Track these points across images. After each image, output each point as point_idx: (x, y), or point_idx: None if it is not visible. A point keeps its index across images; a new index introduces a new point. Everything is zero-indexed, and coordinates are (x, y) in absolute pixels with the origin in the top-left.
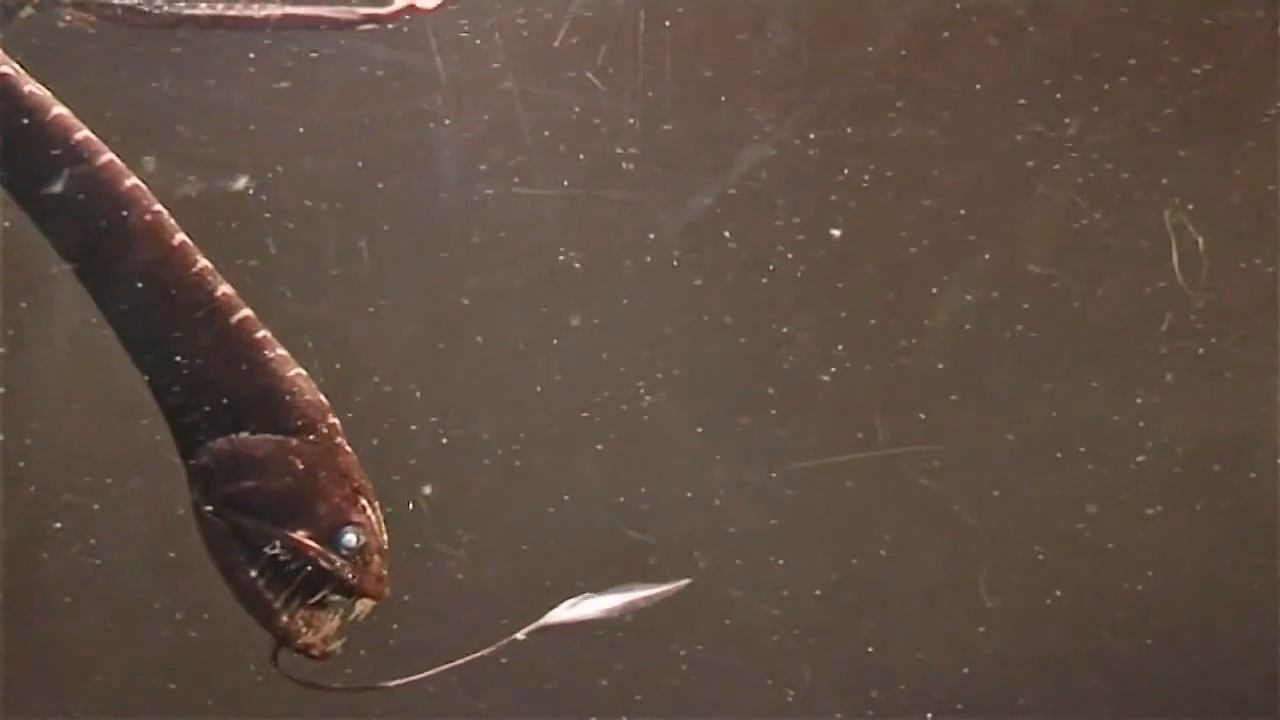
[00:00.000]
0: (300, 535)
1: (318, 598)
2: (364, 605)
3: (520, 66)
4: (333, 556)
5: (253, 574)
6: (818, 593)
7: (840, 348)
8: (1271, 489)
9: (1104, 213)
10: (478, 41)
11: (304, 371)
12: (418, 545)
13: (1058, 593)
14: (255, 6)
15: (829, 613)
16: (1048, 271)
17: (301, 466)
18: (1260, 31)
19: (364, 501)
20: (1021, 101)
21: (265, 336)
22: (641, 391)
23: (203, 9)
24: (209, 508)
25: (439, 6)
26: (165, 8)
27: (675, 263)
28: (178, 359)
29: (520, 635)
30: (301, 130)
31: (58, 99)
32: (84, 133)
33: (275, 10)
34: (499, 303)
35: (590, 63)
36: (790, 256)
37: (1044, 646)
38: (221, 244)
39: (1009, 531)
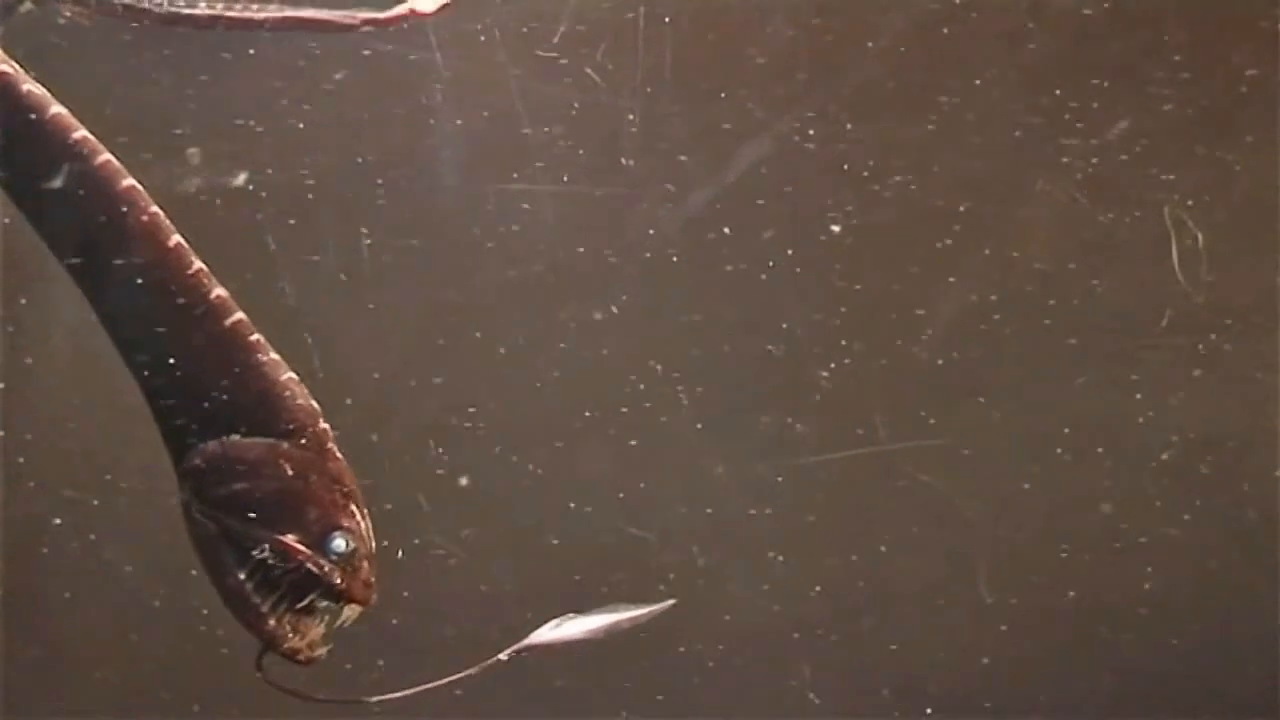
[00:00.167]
0: (290, 539)
1: (305, 602)
2: (351, 611)
3: (520, 62)
4: (322, 561)
5: (241, 577)
6: (818, 589)
7: (840, 344)
8: (1271, 485)
9: (1104, 209)
10: (477, 38)
11: (296, 376)
12: (417, 541)
13: (1058, 589)
14: (255, 7)
15: (830, 610)
16: (1047, 268)
17: (292, 470)
18: (1260, 27)
19: (354, 507)
20: (1021, 98)
21: (258, 340)
22: (641, 388)
23: (202, 8)
24: (198, 510)
25: (439, 9)
26: (165, 6)
27: (675, 259)
28: (170, 360)
29: (503, 656)
30: (301, 126)
31: (57, 96)
32: (82, 132)
33: (275, 13)
34: (498, 299)
35: (590, 59)
36: (790, 253)
37: (1044, 643)
38: (221, 240)
39: (1009, 528)
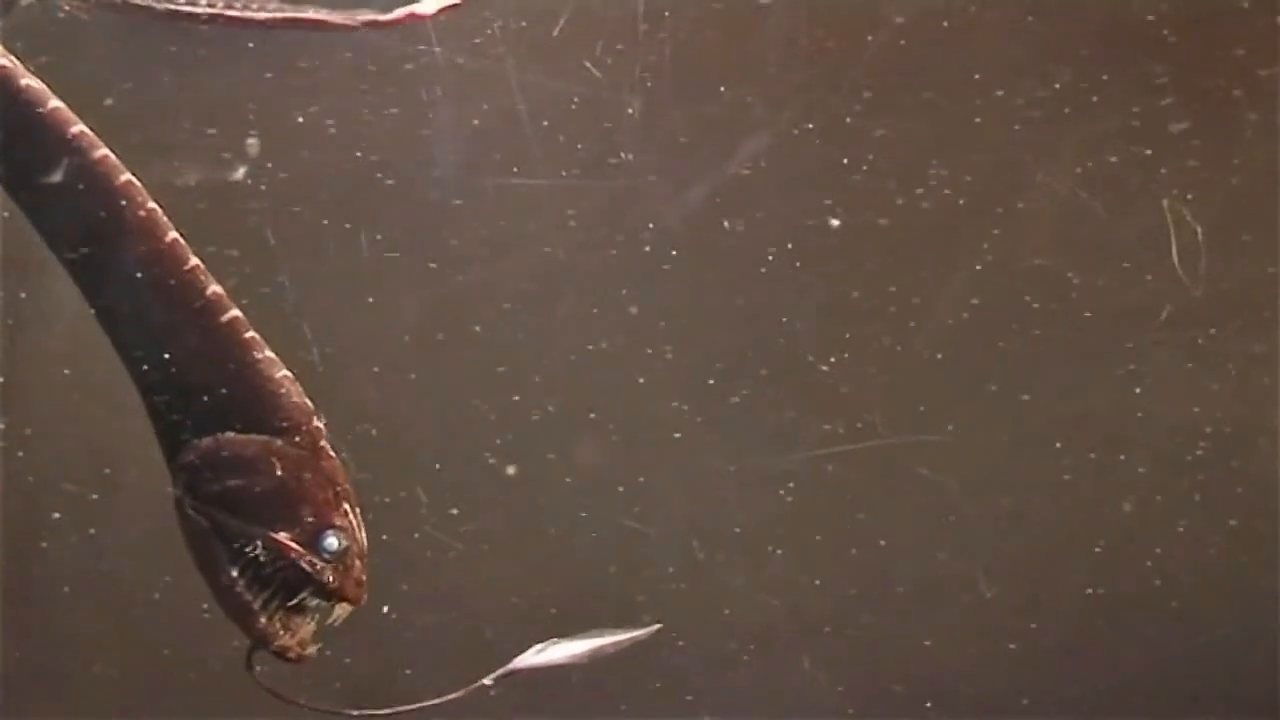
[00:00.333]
0: (283, 537)
1: (297, 600)
2: (342, 610)
3: (519, 56)
4: (314, 559)
5: (233, 574)
6: (817, 583)
7: (841, 338)
8: (1271, 480)
9: (1103, 203)
10: (476, 31)
11: (290, 374)
12: (416, 535)
13: (1057, 585)
14: (255, 6)
15: (829, 605)
16: (1047, 262)
17: (286, 468)
18: (1260, 20)
19: (346, 506)
20: (1021, 91)
21: (253, 337)
22: (640, 382)
23: (202, 5)
24: (191, 506)
25: (440, 10)
26: (164, 2)
27: (674, 252)
28: (165, 356)
29: (487, 680)
30: (300, 120)
31: (56, 90)
32: (79, 127)
33: (275, 12)
34: (498, 293)
35: (589, 52)
36: (790, 246)
37: (1043, 640)
38: (220, 235)
39: (1008, 522)
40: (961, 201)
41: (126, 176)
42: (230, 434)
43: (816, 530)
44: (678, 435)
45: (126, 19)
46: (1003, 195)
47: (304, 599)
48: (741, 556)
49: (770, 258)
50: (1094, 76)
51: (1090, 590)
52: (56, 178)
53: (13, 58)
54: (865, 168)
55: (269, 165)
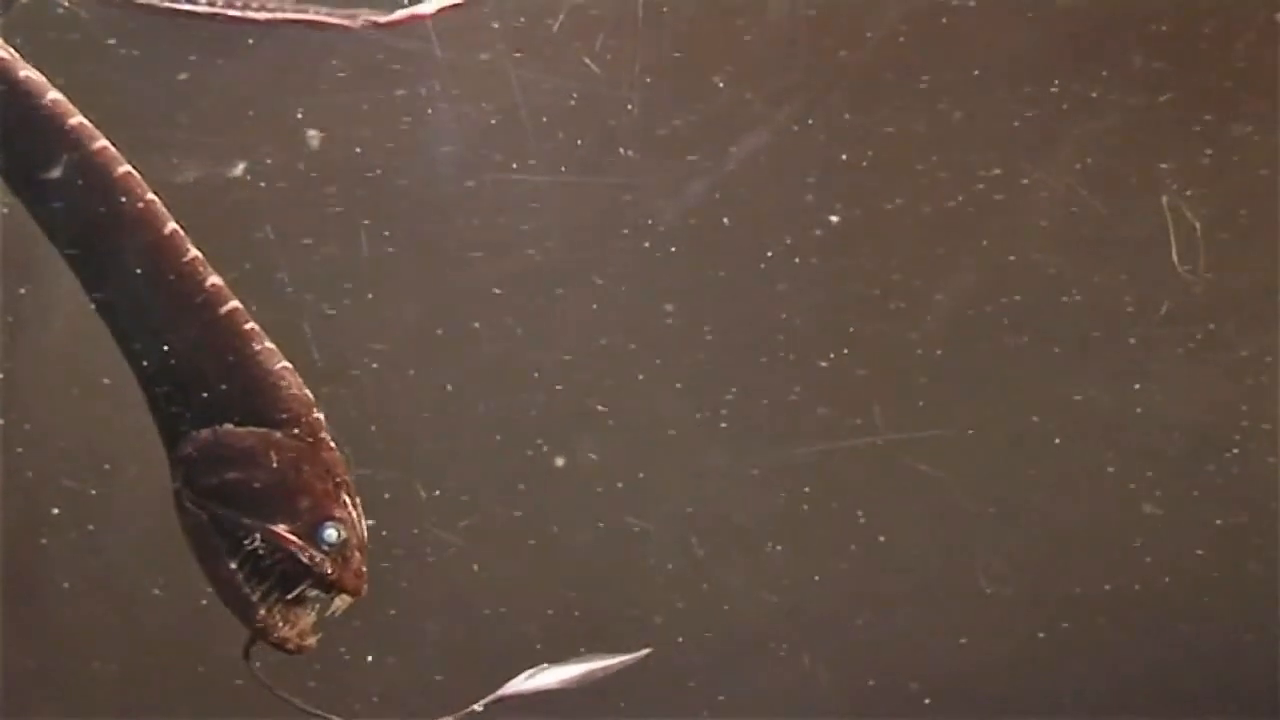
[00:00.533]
0: (281, 529)
1: (296, 592)
2: (342, 601)
3: (518, 52)
4: (313, 551)
5: (232, 566)
6: (816, 579)
7: (839, 335)
8: (1270, 475)
9: (1102, 199)
10: (476, 27)
11: (290, 365)
12: (416, 531)
13: (1056, 581)
14: (255, 5)
15: (828, 600)
16: (1046, 258)
17: (284, 460)
18: (1259, 17)
19: (345, 497)
20: (1020, 88)
21: (253, 329)
22: (640, 378)
23: (203, 4)
24: (190, 498)
25: (440, 10)
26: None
27: (673, 248)
28: (165, 348)
29: (478, 707)
30: (300, 116)
31: (55, 85)
32: (78, 118)
33: (275, 12)
34: (497, 289)
35: (588, 49)
36: (789, 242)
37: (1042, 636)
38: (220, 230)
39: (1007, 518)
40: (961, 198)
41: (125, 168)
42: (228, 426)
43: (816, 527)
44: (677, 432)
45: (126, 17)
46: (1002, 192)
47: (303, 590)
48: (741, 553)
49: (769, 254)
50: (1093, 74)
51: (1089, 585)
52: (56, 169)
53: (12, 50)
54: (865, 164)
55: (268, 162)
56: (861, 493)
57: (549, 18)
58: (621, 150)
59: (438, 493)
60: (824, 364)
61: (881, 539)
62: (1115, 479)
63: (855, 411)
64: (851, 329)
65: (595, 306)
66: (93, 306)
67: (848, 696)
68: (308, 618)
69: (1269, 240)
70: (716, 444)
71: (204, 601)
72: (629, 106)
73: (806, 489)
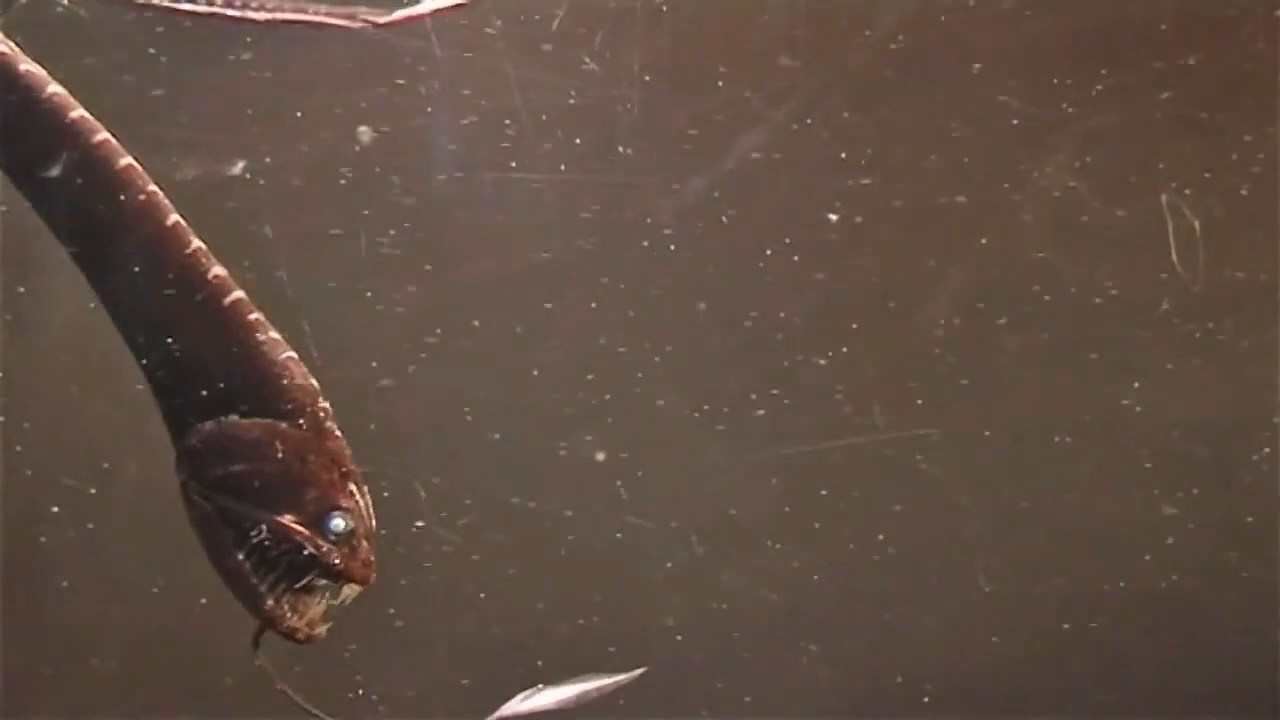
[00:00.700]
0: (288, 519)
1: (304, 582)
2: (350, 590)
3: (517, 51)
4: (320, 541)
5: (239, 557)
6: (815, 578)
7: (838, 332)
8: (1270, 473)
9: (1101, 197)
10: (475, 27)
11: (295, 355)
12: (415, 529)
13: (1056, 580)
14: (255, 4)
15: (827, 598)
16: (1045, 256)
17: (290, 450)
18: (1257, 14)
19: (352, 486)
20: (1019, 86)
21: (257, 319)
22: (638, 376)
23: (202, 3)
24: (196, 490)
25: (439, 10)
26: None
27: (672, 247)
28: (169, 340)
29: None
30: (299, 115)
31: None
32: (79, 112)
33: (276, 12)
34: (495, 287)
35: (587, 47)
36: (787, 241)
37: (1042, 634)
38: (218, 229)
39: (1006, 516)
40: (960, 196)
41: (127, 160)
42: (233, 418)
43: (815, 526)
44: (676, 430)
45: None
46: (1001, 190)
47: (311, 580)
48: (740, 552)
49: (768, 252)
50: (1092, 71)
51: (1088, 582)
52: (57, 163)
53: (12, 44)
54: (863, 162)
55: (267, 160)
56: (861, 491)
57: (548, 17)
58: (621, 149)
59: (437, 482)
60: (823, 362)
61: (881, 538)
62: (1114, 478)
63: (855, 410)
64: (851, 327)
65: (594, 305)
66: (96, 300)
67: (847, 695)
68: (317, 607)
69: (1268, 238)
70: (716, 442)
71: (203, 600)
72: (628, 105)
73: (806, 488)
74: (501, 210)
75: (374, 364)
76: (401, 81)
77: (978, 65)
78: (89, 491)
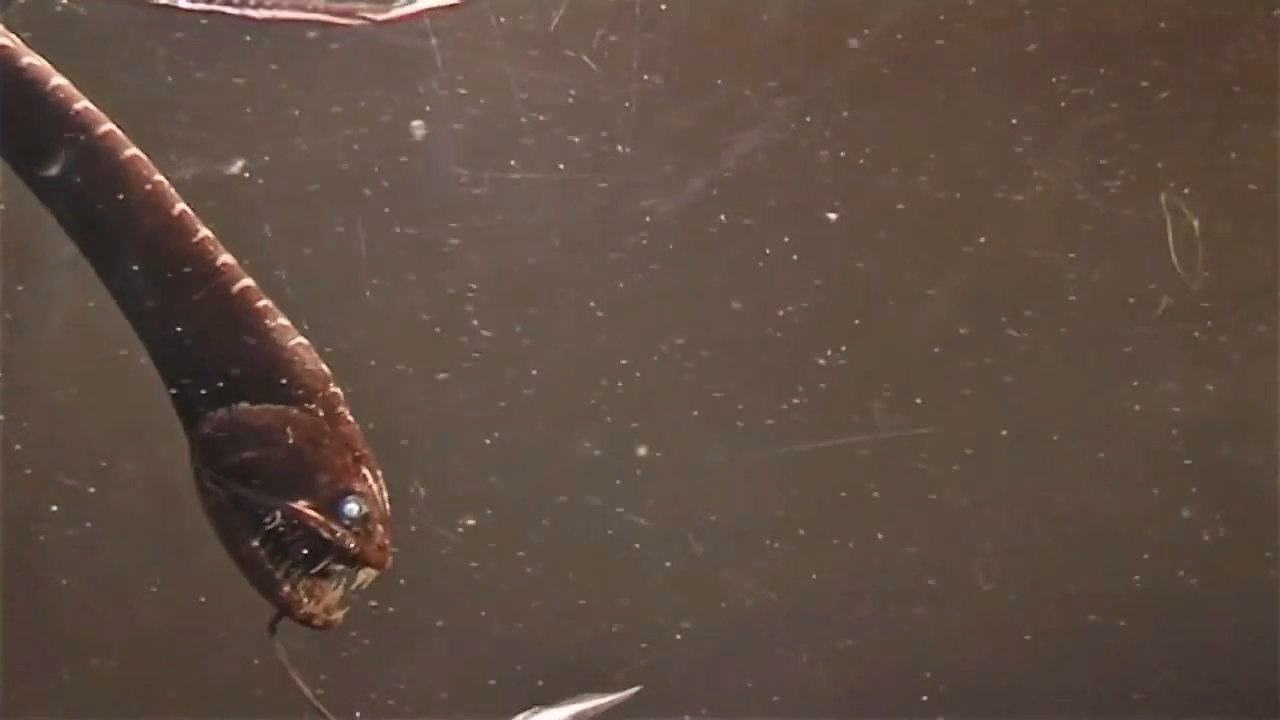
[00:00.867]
0: (302, 505)
1: (320, 567)
2: (367, 574)
3: (516, 50)
4: (334, 526)
5: (254, 544)
6: (814, 576)
7: (837, 332)
8: (1270, 472)
9: (1100, 196)
10: (474, 25)
11: (305, 341)
12: (414, 529)
13: (1055, 579)
14: (253, 1)
15: (826, 597)
16: (1044, 255)
17: (302, 436)
18: (1257, 14)
19: (366, 470)
20: (1017, 85)
21: (266, 305)
22: (637, 375)
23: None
24: (210, 478)
25: (436, 9)
26: None
27: (671, 246)
28: (179, 328)
29: None
30: (297, 114)
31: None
32: (84, 103)
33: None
34: (495, 287)
35: (586, 46)
36: (786, 240)
37: (1041, 633)
38: (217, 228)
39: (1006, 516)
40: (959, 195)
41: (132, 151)
42: (245, 405)
43: (814, 524)
44: (675, 429)
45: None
46: (1000, 189)
47: (327, 566)
48: (739, 551)
49: (767, 251)
50: (1091, 70)
51: (1088, 583)
52: (62, 155)
53: (14, 37)
54: (862, 161)
55: (266, 159)
56: (860, 490)
57: (547, 15)
58: (619, 147)
59: (436, 482)
60: (822, 361)
61: (880, 536)
62: (1114, 477)
63: (853, 409)
64: (849, 326)
65: (593, 304)
66: (95, 299)
67: (847, 695)
68: (333, 593)
69: (1268, 238)
70: (715, 441)
71: (203, 599)
72: (627, 104)
73: (805, 487)
74: (500, 209)
75: (372, 363)
76: (400, 81)
77: (976, 65)
78: (88, 490)
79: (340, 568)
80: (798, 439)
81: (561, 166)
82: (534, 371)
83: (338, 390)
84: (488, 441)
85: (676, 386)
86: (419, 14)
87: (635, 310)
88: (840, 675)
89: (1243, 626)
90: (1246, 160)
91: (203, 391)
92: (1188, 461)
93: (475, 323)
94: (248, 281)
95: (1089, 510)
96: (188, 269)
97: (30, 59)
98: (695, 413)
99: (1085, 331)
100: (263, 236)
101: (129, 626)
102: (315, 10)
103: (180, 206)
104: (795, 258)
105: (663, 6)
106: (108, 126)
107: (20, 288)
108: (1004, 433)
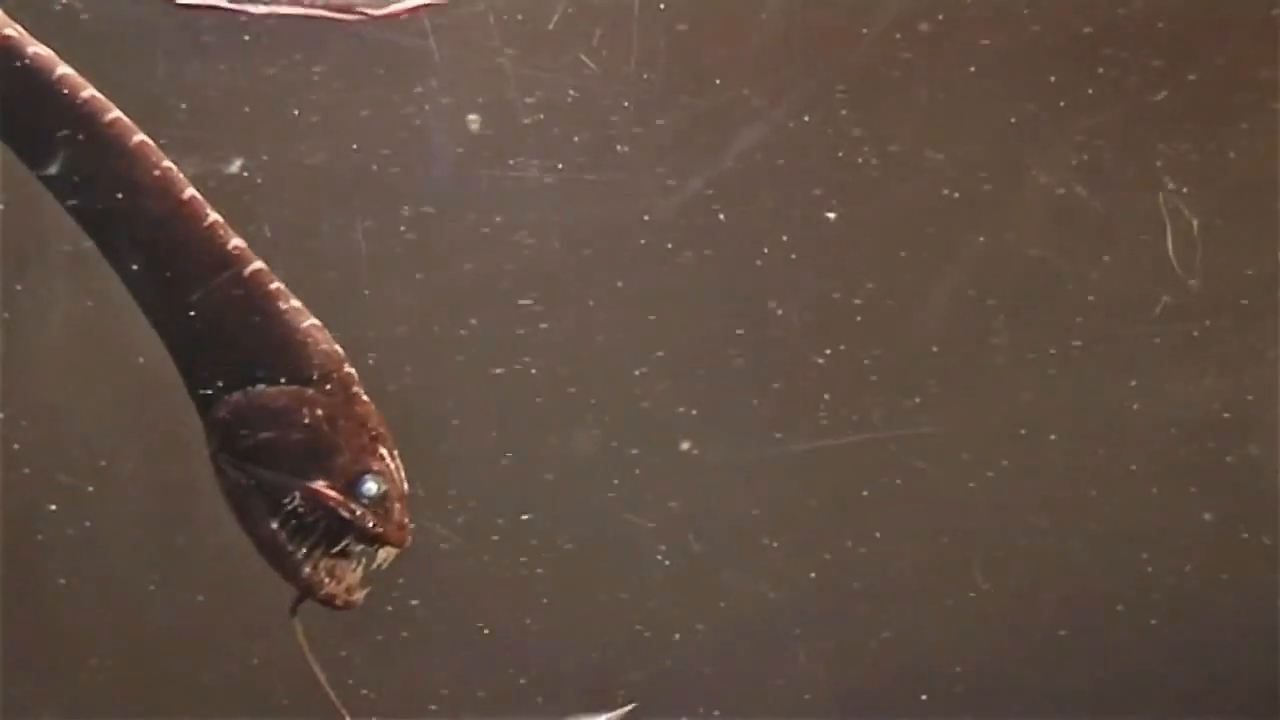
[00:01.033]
0: (320, 485)
1: (340, 547)
2: (387, 553)
3: (515, 49)
4: (353, 505)
5: (274, 526)
6: (812, 575)
7: (835, 331)
8: (1270, 472)
9: (1098, 195)
10: (472, 24)
11: (318, 322)
12: (412, 528)
13: (1054, 578)
14: None
15: (825, 597)
16: (1043, 254)
17: (318, 416)
18: (1255, 14)
19: (383, 449)
20: (1016, 84)
21: (278, 288)
22: (636, 374)
23: None
24: (227, 461)
25: (432, 5)
26: None
27: (669, 245)
28: (191, 313)
29: None
30: (296, 113)
31: None
32: (90, 91)
33: (273, 6)
34: (493, 285)
35: (585, 45)
36: (785, 239)
37: (1039, 632)
38: None
39: (1004, 515)
40: (957, 194)
41: (140, 137)
42: (260, 387)
43: (812, 523)
44: (673, 428)
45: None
46: (999, 188)
47: (347, 545)
48: (738, 550)
49: (765, 250)
50: (1090, 69)
51: (1087, 582)
52: (70, 143)
53: (19, 27)
54: (861, 160)
55: (265, 158)
56: (858, 490)
57: (546, 13)
58: (618, 147)
59: (435, 481)
60: (820, 360)
61: (878, 535)
62: (1113, 476)
63: (852, 408)
64: (848, 325)
65: (591, 302)
66: (97, 301)
67: (845, 693)
68: (354, 573)
69: (1267, 237)
70: (713, 440)
71: (200, 598)
72: (625, 102)
73: (803, 486)
74: (499, 208)
75: (371, 362)
76: (398, 79)
77: (975, 64)
78: (87, 489)
79: (360, 547)
80: (797, 438)
81: (559, 166)
82: (534, 371)
83: (352, 370)
84: (487, 441)
85: (674, 385)
86: (416, 9)
87: (633, 308)
88: (840, 675)
89: (1243, 626)
90: (1245, 160)
91: (217, 376)
92: (1187, 461)
93: (474, 322)
94: (259, 264)
95: (1089, 510)
96: (199, 253)
97: (36, 49)
98: (694, 412)
99: (1084, 331)
100: (262, 236)
101: (128, 626)
102: (313, 5)
103: (190, 191)
104: (794, 256)
105: (662, 6)
106: (115, 114)
107: (19, 287)
108: (1001, 433)
